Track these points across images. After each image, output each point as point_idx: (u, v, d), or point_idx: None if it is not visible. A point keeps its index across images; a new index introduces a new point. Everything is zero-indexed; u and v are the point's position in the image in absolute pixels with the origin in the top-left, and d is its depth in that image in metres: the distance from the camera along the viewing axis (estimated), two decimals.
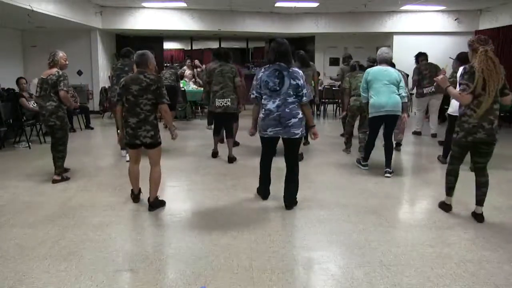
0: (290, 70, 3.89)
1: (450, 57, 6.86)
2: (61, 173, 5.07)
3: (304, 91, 3.90)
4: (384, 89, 5.10)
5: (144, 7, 11.31)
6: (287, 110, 3.88)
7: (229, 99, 5.93)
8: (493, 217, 3.91)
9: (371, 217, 3.96)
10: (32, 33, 11.23)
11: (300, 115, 3.94)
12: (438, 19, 11.93)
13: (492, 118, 3.62)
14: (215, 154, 6.38)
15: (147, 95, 3.88)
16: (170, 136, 4.16)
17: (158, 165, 4.11)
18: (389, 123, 5.28)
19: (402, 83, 5.21)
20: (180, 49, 18.98)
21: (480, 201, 3.83)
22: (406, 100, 5.21)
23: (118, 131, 4.42)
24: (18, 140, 7.47)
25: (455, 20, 11.75)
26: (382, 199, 4.50)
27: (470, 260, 3.09)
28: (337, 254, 3.21)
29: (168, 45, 16.97)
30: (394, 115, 5.15)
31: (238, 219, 3.91)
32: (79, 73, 11.74)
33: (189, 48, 16.08)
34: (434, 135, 7.95)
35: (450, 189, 4.03)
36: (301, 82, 3.89)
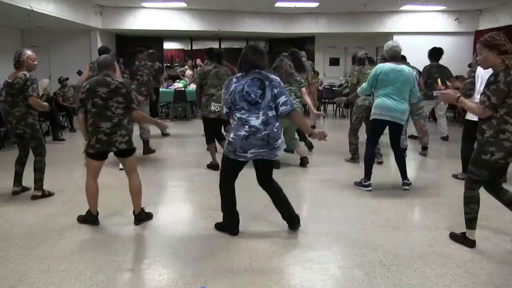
0: (271, 78, 3.35)
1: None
2: (41, 187, 4.49)
3: (281, 99, 3.32)
4: (394, 93, 4.54)
5: (144, 7, 11.33)
6: (275, 129, 3.33)
7: None
8: (493, 217, 3.90)
9: (371, 217, 3.96)
10: (32, 33, 11.24)
11: (281, 134, 3.52)
12: (438, 19, 11.95)
13: None
14: (215, 167, 5.52)
15: (117, 98, 3.59)
16: (161, 133, 3.81)
17: (136, 172, 3.80)
18: (394, 131, 4.77)
19: (416, 87, 4.76)
20: (180, 49, 18.96)
21: None
22: (420, 105, 4.67)
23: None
24: None
25: (455, 20, 11.78)
26: (382, 199, 4.50)
27: (470, 260, 3.09)
28: (337, 254, 3.21)
29: (168, 45, 16.96)
30: (399, 124, 4.66)
31: None
32: (79, 73, 11.64)
33: (189, 48, 16.08)
34: (446, 138, 7.70)
35: (473, 220, 3.28)
36: (277, 90, 3.32)
